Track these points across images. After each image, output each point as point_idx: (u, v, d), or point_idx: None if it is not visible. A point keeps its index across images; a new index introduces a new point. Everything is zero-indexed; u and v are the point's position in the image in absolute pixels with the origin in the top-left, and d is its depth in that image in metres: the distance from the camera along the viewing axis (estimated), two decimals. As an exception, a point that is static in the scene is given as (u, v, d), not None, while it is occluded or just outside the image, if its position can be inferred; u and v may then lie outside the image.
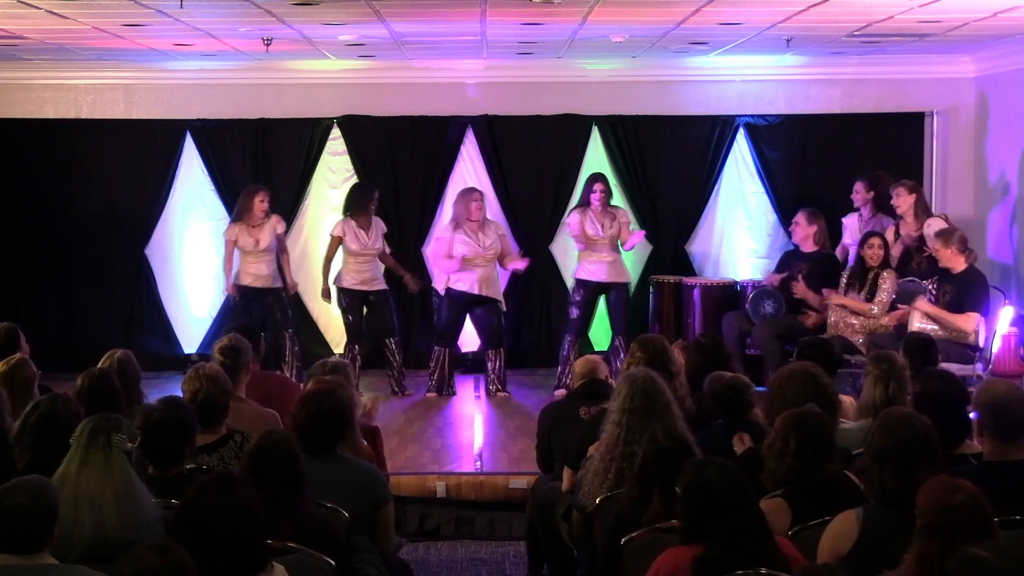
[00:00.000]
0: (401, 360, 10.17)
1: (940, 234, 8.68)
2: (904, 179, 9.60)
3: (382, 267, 10.17)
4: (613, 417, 5.02)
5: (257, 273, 9.96)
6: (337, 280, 10.07)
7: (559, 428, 6.05)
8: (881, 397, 5.33)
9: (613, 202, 10.24)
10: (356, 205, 10.02)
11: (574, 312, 10.13)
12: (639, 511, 4.36)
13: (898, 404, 5.15)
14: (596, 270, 9.99)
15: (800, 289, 9.38)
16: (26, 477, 3.78)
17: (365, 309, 10.07)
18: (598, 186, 9.96)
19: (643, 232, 10.51)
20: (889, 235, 9.43)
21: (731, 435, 5.31)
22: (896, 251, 9.33)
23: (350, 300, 10.02)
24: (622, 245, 10.15)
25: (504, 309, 10.15)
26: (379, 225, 10.08)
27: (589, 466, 5.02)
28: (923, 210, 9.36)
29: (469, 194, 9.97)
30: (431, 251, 10.08)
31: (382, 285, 10.11)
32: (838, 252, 9.94)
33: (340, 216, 11.09)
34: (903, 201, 9.33)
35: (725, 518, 3.74)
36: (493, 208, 11.05)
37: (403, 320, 10.67)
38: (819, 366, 5.36)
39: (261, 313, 9.98)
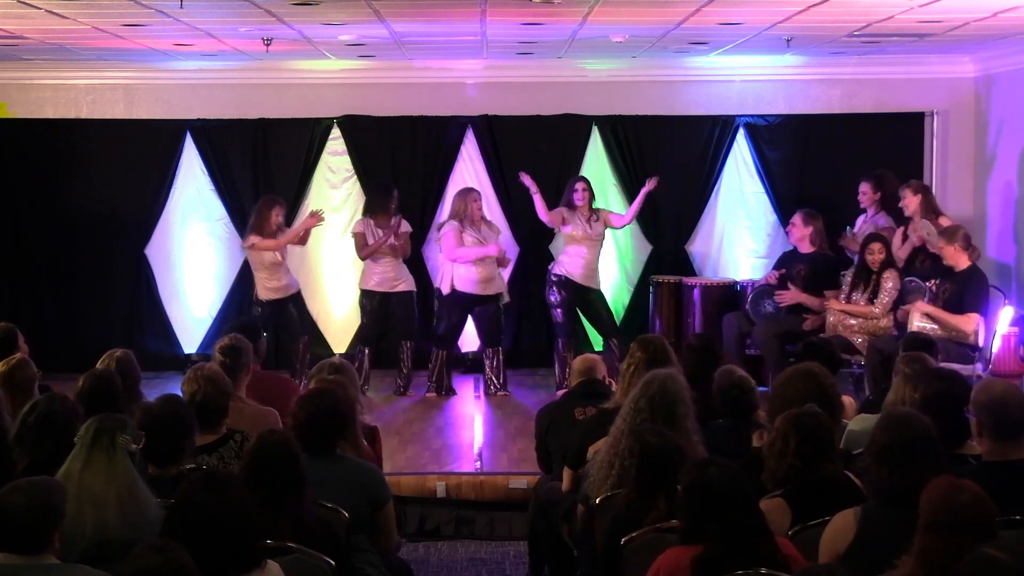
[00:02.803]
0: (411, 365, 10.12)
1: (944, 232, 8.68)
2: (911, 179, 9.59)
3: (404, 267, 10.08)
4: (623, 412, 5.05)
5: (276, 285, 9.83)
6: (361, 281, 10.04)
7: (556, 429, 6.06)
8: (911, 396, 5.22)
9: (611, 204, 10.25)
10: (376, 207, 9.97)
11: (558, 315, 10.04)
12: (636, 513, 4.36)
13: None
14: (574, 267, 9.93)
15: (790, 295, 9.37)
16: (33, 478, 3.79)
17: (387, 312, 9.98)
18: (579, 185, 9.97)
19: (647, 187, 10.09)
20: (898, 237, 9.41)
21: (733, 434, 5.32)
22: (904, 252, 9.32)
23: (371, 303, 9.96)
24: (615, 225, 10.12)
25: (508, 299, 10.13)
26: (402, 224, 10.02)
27: (596, 458, 5.03)
28: (931, 210, 9.28)
29: (468, 194, 9.93)
30: (443, 246, 9.87)
31: (406, 287, 10.02)
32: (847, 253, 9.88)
33: (340, 216, 11.13)
34: (909, 203, 9.32)
35: (725, 518, 3.74)
36: (493, 208, 11.07)
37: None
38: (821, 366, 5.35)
39: (283, 323, 9.96)
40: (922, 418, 4.20)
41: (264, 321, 9.65)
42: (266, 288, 9.85)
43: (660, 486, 4.37)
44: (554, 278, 10.02)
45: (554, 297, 10.04)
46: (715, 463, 3.93)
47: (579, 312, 10.24)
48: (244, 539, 3.63)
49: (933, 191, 10.18)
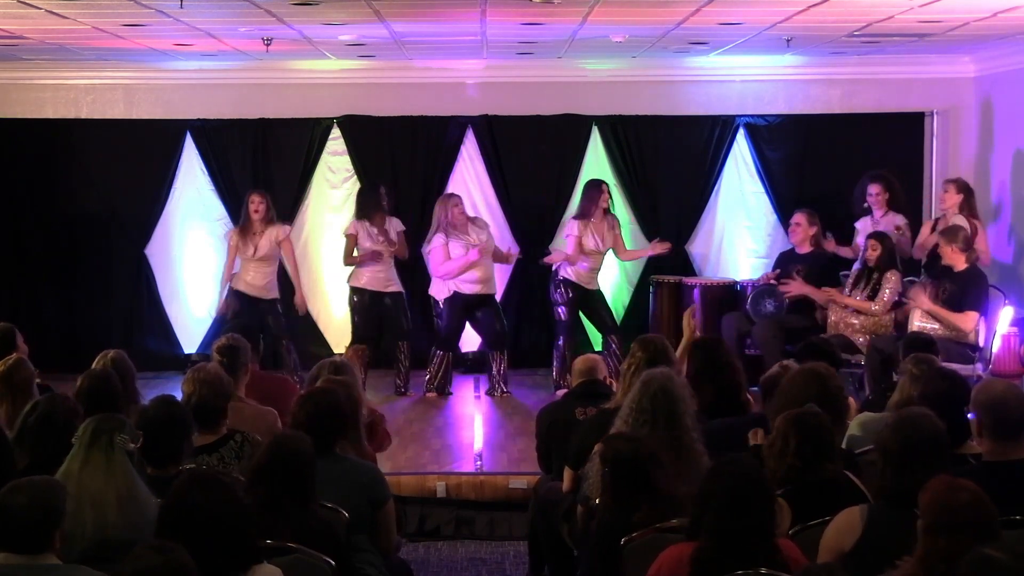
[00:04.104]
0: (409, 365, 10.12)
1: (945, 231, 8.68)
2: (958, 177, 9.60)
3: (395, 270, 10.06)
4: (622, 413, 5.04)
5: (251, 282, 9.82)
6: (351, 279, 10.03)
7: (556, 429, 6.05)
8: (917, 396, 5.18)
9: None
10: (368, 209, 9.92)
11: (562, 313, 10.05)
12: (617, 518, 4.38)
13: None
14: (583, 275, 9.95)
15: (796, 287, 9.35)
16: (34, 477, 3.78)
17: (379, 312, 9.97)
18: (605, 186, 9.96)
19: (650, 252, 10.37)
20: (926, 228, 9.38)
21: (732, 434, 5.31)
22: (930, 243, 9.28)
23: (361, 299, 9.93)
24: (617, 254, 10.21)
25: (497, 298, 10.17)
26: (394, 224, 10.01)
27: (594, 459, 5.03)
28: (968, 213, 9.20)
29: (448, 200, 9.91)
30: (431, 263, 9.94)
31: (397, 287, 10.02)
32: (851, 253, 9.85)
33: (340, 216, 11.10)
34: (948, 198, 9.30)
35: (725, 518, 3.73)
36: (494, 208, 11.08)
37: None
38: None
39: (261, 323, 9.93)
40: (933, 419, 4.19)
41: (225, 307, 9.71)
42: (238, 278, 9.88)
43: (635, 492, 4.38)
44: (560, 278, 10.02)
45: (559, 296, 10.05)
46: (733, 463, 3.90)
47: (581, 312, 10.25)
48: (238, 537, 3.62)
49: (933, 191, 10.18)
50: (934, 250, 9.21)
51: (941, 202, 9.40)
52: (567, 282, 9.98)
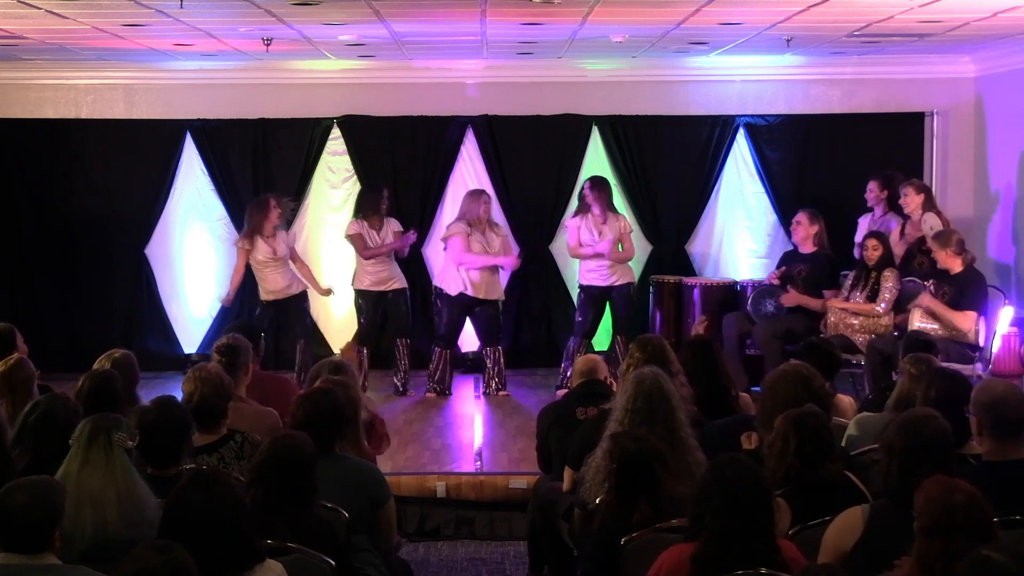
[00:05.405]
0: (408, 363, 10.13)
1: (937, 236, 8.68)
2: (913, 178, 9.61)
3: (397, 265, 10.07)
4: (616, 415, 5.04)
5: (275, 287, 9.74)
6: (354, 282, 10.04)
7: (556, 429, 6.05)
8: (916, 396, 5.12)
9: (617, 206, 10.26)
10: (367, 207, 9.95)
11: (579, 316, 10.10)
12: (619, 516, 4.39)
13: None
14: (597, 276, 9.96)
15: (791, 298, 9.35)
16: (34, 477, 3.78)
17: (383, 310, 9.99)
18: (584, 187, 9.99)
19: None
20: (895, 234, 9.43)
21: (729, 435, 5.31)
22: (900, 249, 9.32)
23: (366, 302, 9.96)
24: (623, 251, 10.18)
25: (503, 300, 10.14)
26: (392, 225, 10.01)
27: (591, 462, 5.03)
28: (931, 210, 9.28)
29: (479, 196, 9.93)
30: (451, 249, 9.86)
31: (399, 284, 10.03)
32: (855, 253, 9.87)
33: (340, 216, 11.12)
34: (911, 200, 9.32)
35: (725, 518, 3.73)
36: (494, 208, 11.05)
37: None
38: (818, 367, 5.35)
39: (287, 324, 9.90)
40: (939, 419, 4.18)
41: (261, 320, 9.62)
42: (264, 289, 9.82)
43: (639, 491, 4.38)
44: (580, 284, 10.10)
45: (577, 299, 10.20)
46: (735, 462, 3.90)
47: (600, 310, 10.17)
48: (239, 537, 3.63)
49: (933, 191, 10.18)
50: (906, 255, 9.24)
51: (905, 206, 9.41)
52: (583, 286, 10.08)
